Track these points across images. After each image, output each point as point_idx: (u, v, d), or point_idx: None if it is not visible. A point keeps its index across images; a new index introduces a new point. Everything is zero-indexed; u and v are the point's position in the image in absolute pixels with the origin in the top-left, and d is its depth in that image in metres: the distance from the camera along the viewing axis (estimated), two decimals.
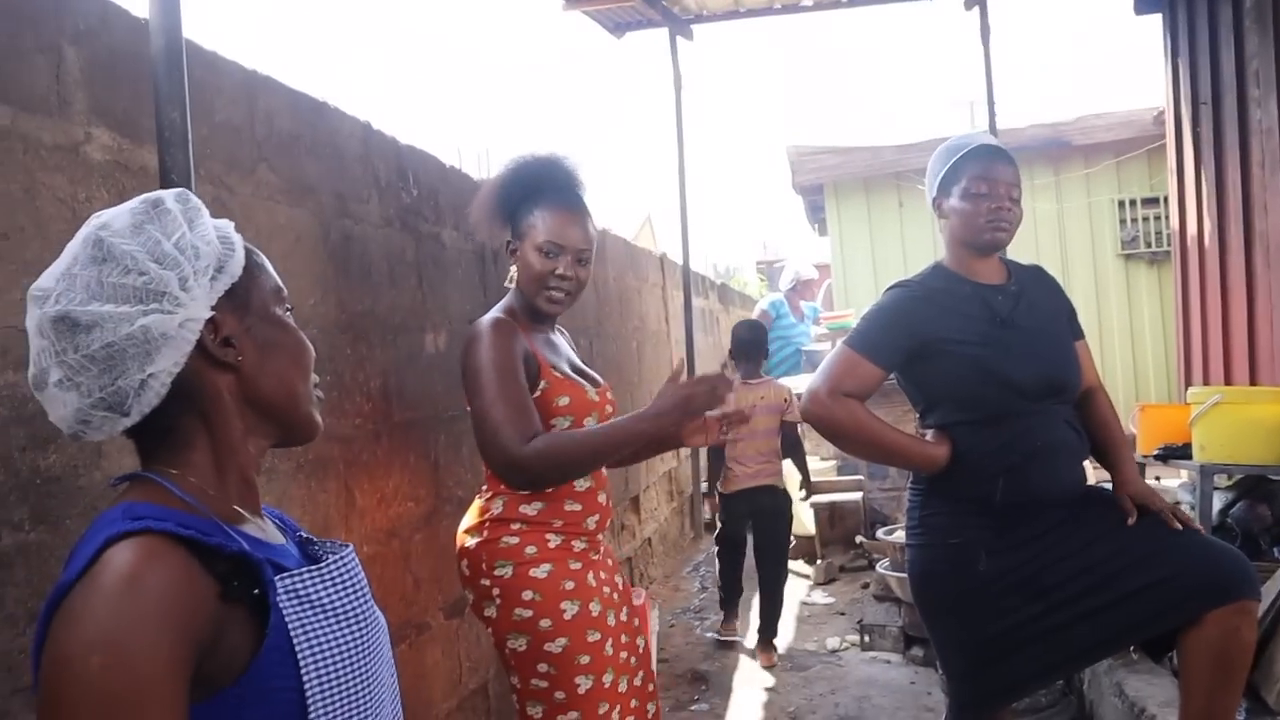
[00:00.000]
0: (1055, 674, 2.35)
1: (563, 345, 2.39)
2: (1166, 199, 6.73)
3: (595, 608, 2.17)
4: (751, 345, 4.73)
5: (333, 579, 0.99)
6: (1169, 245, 6.85)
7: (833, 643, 4.73)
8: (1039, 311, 2.36)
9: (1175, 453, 3.79)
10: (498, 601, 2.14)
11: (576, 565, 2.18)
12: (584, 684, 2.11)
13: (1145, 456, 3.94)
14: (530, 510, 2.17)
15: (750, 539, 4.79)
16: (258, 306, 1.03)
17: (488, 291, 3.50)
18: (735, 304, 11.87)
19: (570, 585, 2.14)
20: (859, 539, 5.72)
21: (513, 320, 2.19)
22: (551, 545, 2.16)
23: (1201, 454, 3.53)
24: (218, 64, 2.14)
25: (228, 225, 1.05)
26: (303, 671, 0.91)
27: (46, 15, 1.68)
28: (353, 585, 1.01)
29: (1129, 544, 2.22)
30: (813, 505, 6.01)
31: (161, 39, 1.74)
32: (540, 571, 2.13)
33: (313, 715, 0.91)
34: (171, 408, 0.97)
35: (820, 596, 5.59)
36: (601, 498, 2.29)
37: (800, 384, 5.26)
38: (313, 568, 0.98)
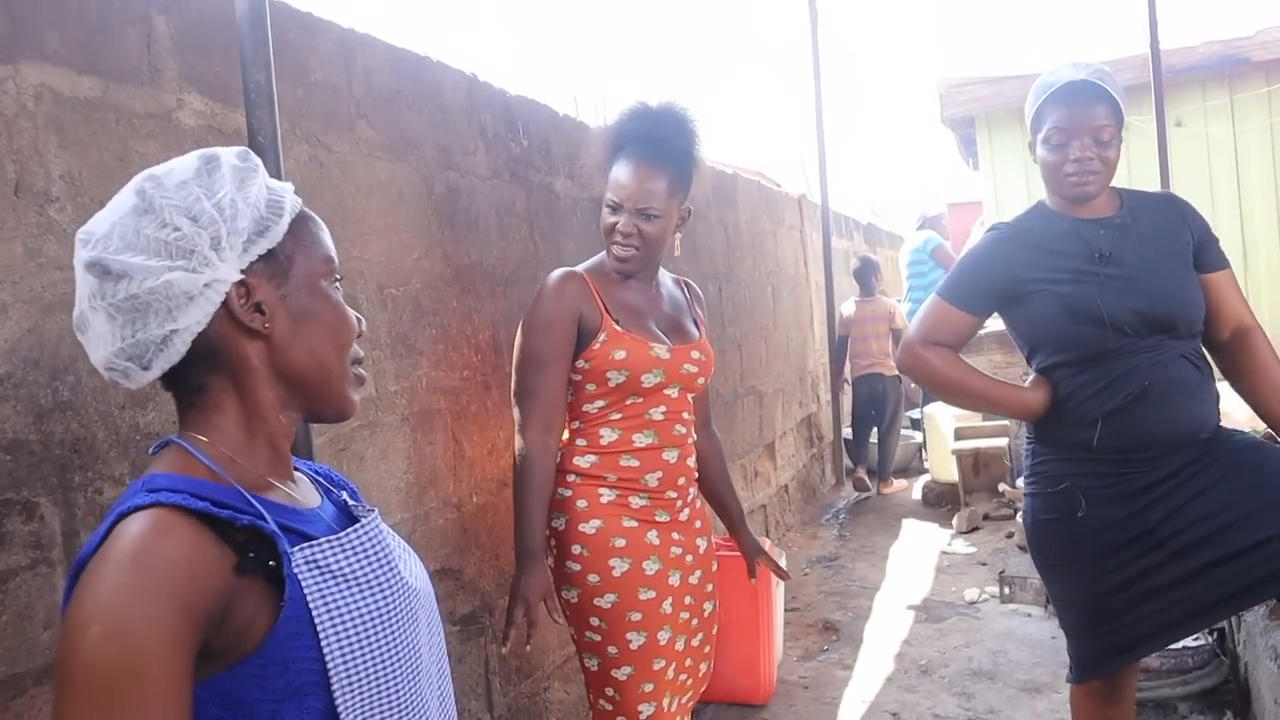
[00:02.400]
0: (1177, 633, 2.19)
1: (663, 297, 2.34)
2: None
3: (651, 566, 2.16)
4: (862, 274, 6.94)
5: (353, 548, 0.98)
6: None
7: (971, 594, 4.59)
8: (1150, 243, 2.17)
9: None
10: (554, 551, 2.20)
11: (631, 523, 2.17)
12: (636, 640, 2.13)
13: None
14: (583, 463, 2.19)
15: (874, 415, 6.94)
16: (299, 275, 1.01)
17: None
18: (884, 244, 11.53)
19: (621, 542, 2.14)
20: (1001, 487, 5.51)
21: (585, 274, 2.22)
22: (604, 500, 2.16)
23: None
24: (312, 24, 2.17)
25: (284, 189, 1.03)
26: (322, 641, 0.91)
27: None
28: (376, 553, 1.00)
29: (1246, 493, 2.05)
30: (955, 451, 5.84)
31: (245, 2, 1.77)
32: (589, 527, 2.15)
33: (335, 683, 0.91)
34: (200, 367, 0.97)
35: (961, 546, 5.42)
36: (669, 455, 2.22)
37: None
38: (332, 538, 0.97)
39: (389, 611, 0.98)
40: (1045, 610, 4.25)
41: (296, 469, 1.10)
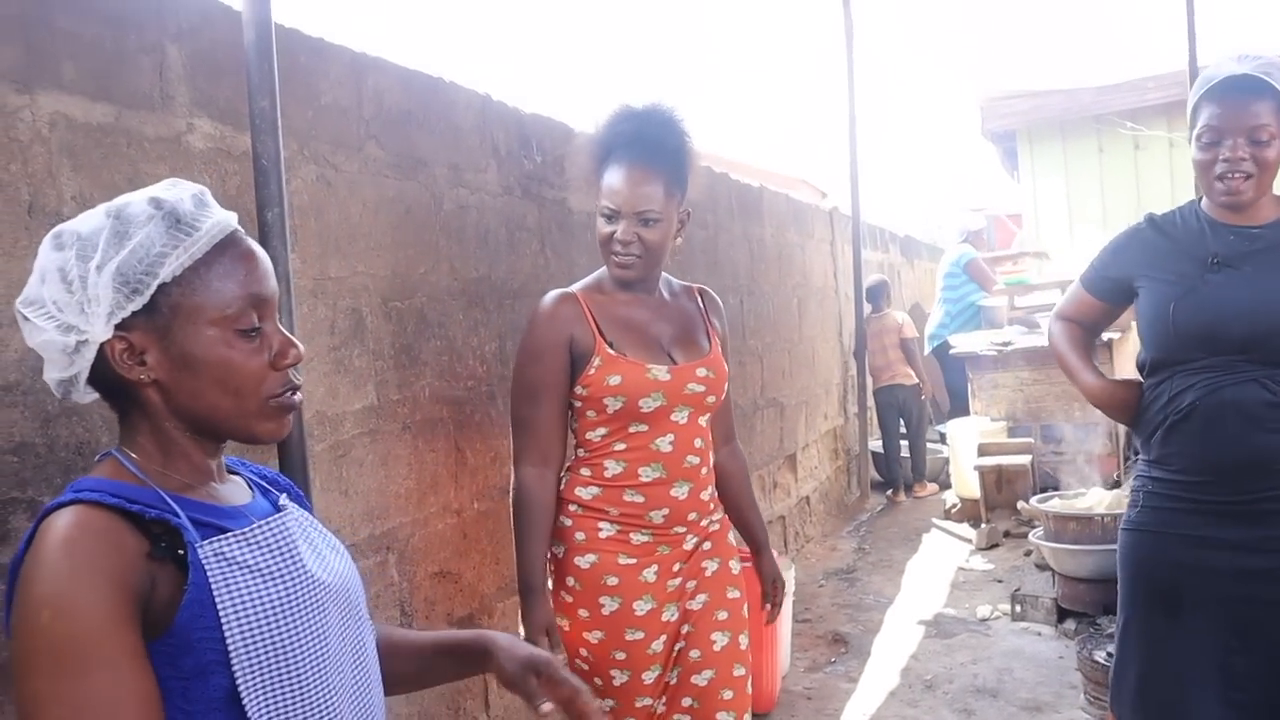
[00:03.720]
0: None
1: (669, 308, 2.21)
2: None
3: (643, 606, 2.08)
4: (874, 292, 7.47)
5: (257, 542, 1.08)
6: None
7: (983, 611, 4.60)
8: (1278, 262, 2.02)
9: None
10: (552, 576, 2.16)
11: (628, 560, 2.08)
12: (619, 678, 2.09)
13: None
14: (585, 494, 2.11)
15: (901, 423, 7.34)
16: (185, 325, 1.06)
17: None
18: (923, 256, 11.47)
19: (614, 581, 2.07)
20: (1021, 504, 5.50)
21: (579, 294, 2.13)
22: (602, 535, 2.09)
23: None
24: (323, 49, 2.27)
25: (194, 230, 1.05)
26: (223, 623, 1.01)
27: (148, 17, 1.84)
28: (279, 547, 1.10)
29: None
30: (977, 468, 5.84)
31: (252, 31, 1.87)
32: (584, 561, 2.09)
33: (235, 662, 1.01)
34: (116, 399, 1.10)
35: (979, 562, 5.43)
36: (678, 491, 2.10)
37: (971, 340, 6.62)
38: (238, 532, 1.07)
39: (290, 601, 1.07)
40: (1055, 629, 4.26)
41: (234, 471, 1.21)
